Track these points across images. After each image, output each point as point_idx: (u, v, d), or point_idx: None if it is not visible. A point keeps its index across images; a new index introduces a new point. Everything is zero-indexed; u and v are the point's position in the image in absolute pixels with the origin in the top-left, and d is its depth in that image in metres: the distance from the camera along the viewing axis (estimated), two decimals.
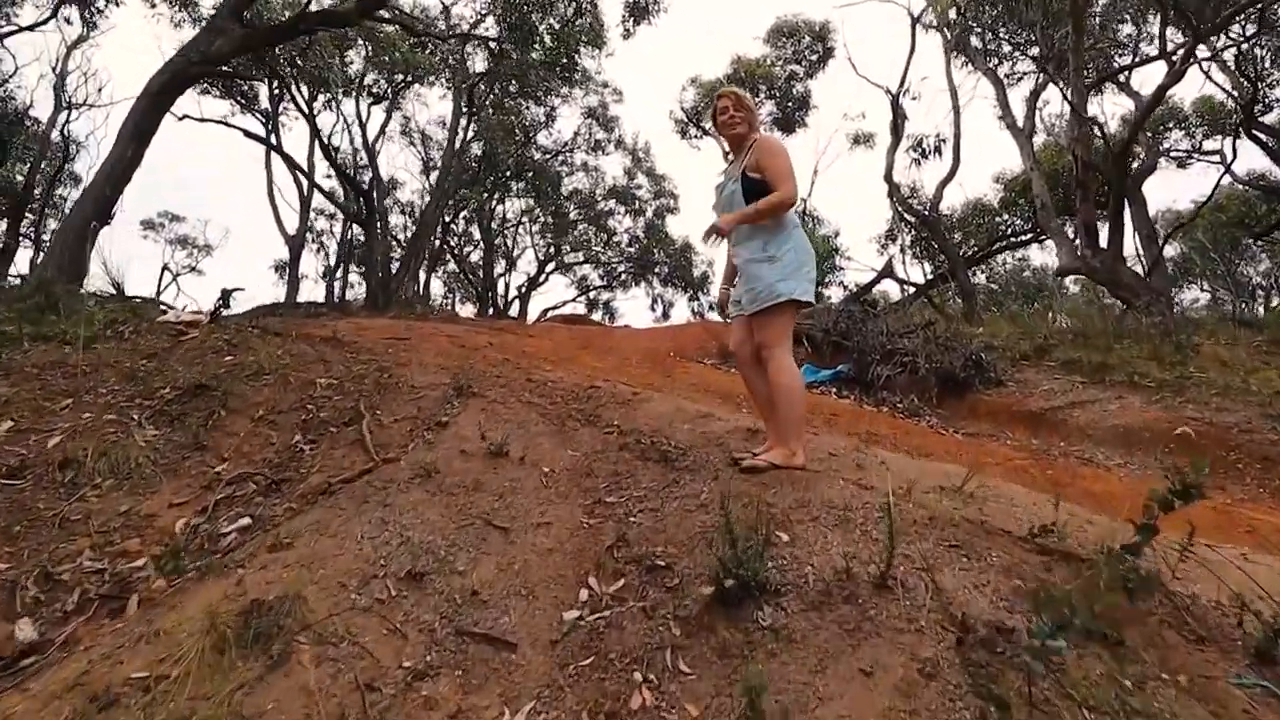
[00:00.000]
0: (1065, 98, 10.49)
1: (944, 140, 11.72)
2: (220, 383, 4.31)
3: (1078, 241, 10.29)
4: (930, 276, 16.36)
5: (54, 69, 17.30)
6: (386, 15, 10.95)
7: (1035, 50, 13.11)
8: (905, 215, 15.17)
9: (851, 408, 7.51)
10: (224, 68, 7.87)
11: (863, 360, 8.54)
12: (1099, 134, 10.19)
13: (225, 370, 4.66)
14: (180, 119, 13.30)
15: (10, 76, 16.03)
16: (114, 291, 7.81)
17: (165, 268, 25.41)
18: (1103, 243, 10.49)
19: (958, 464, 5.21)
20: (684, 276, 24.72)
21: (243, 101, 20.00)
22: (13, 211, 16.66)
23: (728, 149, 3.78)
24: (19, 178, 17.05)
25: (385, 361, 5.84)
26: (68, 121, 17.16)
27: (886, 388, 8.25)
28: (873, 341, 8.67)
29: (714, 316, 25.37)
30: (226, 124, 13.59)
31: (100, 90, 17.29)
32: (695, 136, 22.97)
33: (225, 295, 6.21)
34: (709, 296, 25.09)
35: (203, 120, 13.47)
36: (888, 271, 15.25)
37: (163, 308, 6.96)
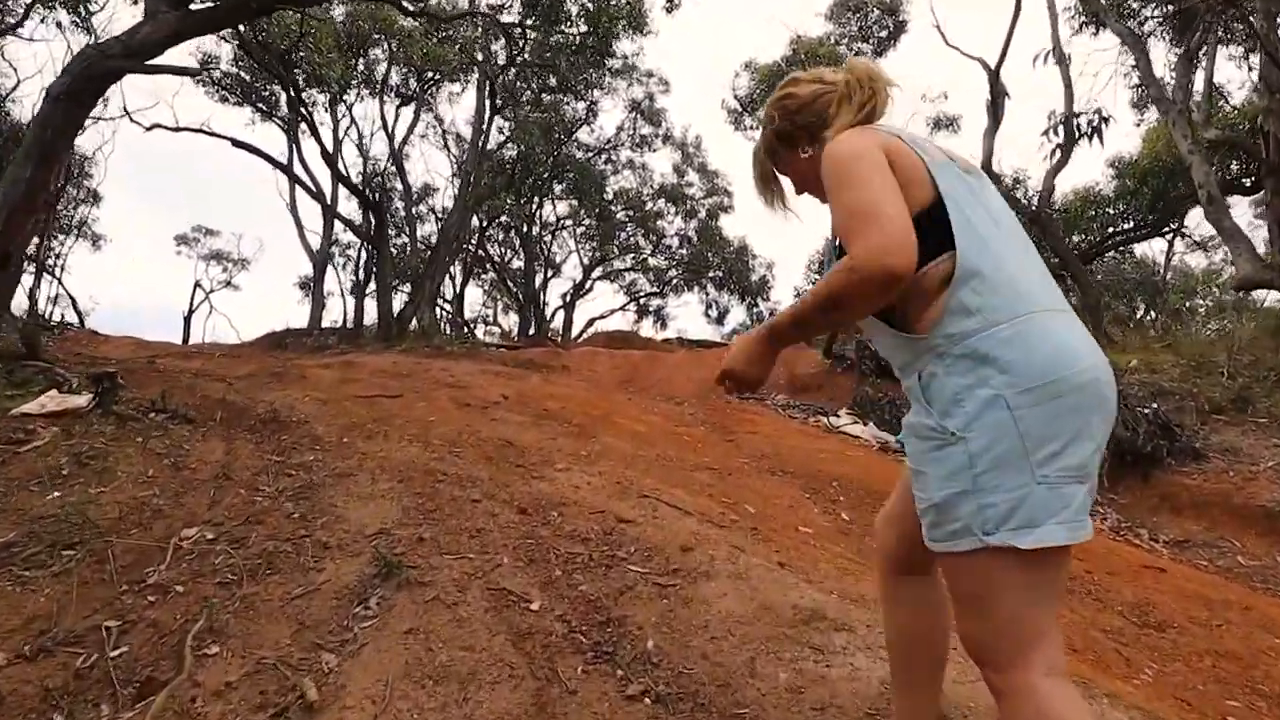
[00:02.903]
0: (1267, 52, 7.99)
1: (1106, 118, 9.30)
2: None
3: (1265, 246, 7.89)
4: None
5: None
6: None
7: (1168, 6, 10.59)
8: None
9: None
10: (154, 62, 6.13)
11: None
12: None
13: (7, 541, 2.83)
14: (149, 129, 11.87)
15: (11, 91, 14.86)
16: (23, 351, 6.20)
17: (197, 285, 24.47)
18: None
19: (1241, 686, 3.08)
20: (740, 281, 22.52)
21: (263, 109, 18.69)
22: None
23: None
24: None
25: (319, 473, 4.00)
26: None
27: None
28: None
29: None
30: (207, 132, 12.12)
31: (106, 102, 16.03)
32: (750, 127, 20.78)
33: (103, 380, 4.46)
34: (768, 303, 22.88)
35: (177, 129, 12.02)
36: None
37: (57, 377, 5.29)
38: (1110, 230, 13.84)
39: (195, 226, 25.84)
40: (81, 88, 5.92)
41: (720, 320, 25.36)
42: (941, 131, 16.34)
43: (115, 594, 2.64)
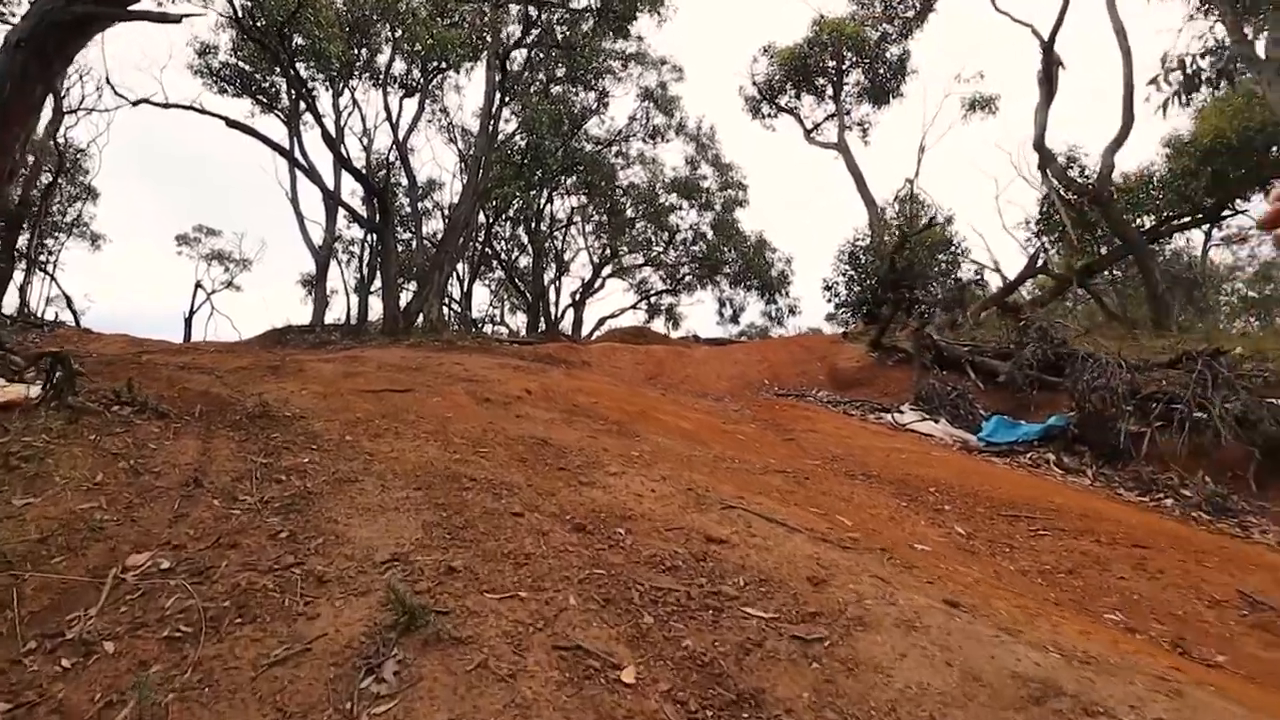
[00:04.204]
0: None
1: (1238, 57, 8.14)
2: None
3: None
4: (1079, 266, 12.67)
5: None
6: None
7: None
8: (1065, 191, 11.76)
9: (1119, 510, 4.49)
10: (132, 8, 5.32)
11: (1095, 412, 5.49)
12: None
13: None
14: (135, 104, 11.10)
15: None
16: None
17: (199, 285, 23.67)
18: None
19: None
20: (759, 276, 21.61)
21: (264, 101, 17.96)
22: (7, 230, 14.76)
23: None
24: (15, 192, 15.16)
25: (315, 478, 3.17)
26: (58, 128, 15.11)
27: (1147, 456, 5.21)
28: (1106, 379, 5.61)
29: (801, 323, 22.26)
30: (201, 110, 11.33)
31: (99, 92, 15.31)
32: (769, 115, 19.96)
33: (54, 366, 3.66)
34: (787, 299, 21.97)
35: (167, 106, 11.23)
36: (1037, 266, 11.82)
37: (13, 365, 4.46)
38: (1166, 215, 12.88)
39: (196, 226, 25.04)
40: (44, 35, 5.12)
41: (734, 318, 24.51)
42: (978, 114, 15.48)
43: (15, 655, 1.81)
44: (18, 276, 16.26)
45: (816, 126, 19.50)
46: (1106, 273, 13.83)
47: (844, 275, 14.24)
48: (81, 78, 15.36)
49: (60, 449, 3.11)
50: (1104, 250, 12.53)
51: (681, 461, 4.26)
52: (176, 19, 5.45)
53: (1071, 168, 11.96)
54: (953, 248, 14.48)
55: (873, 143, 19.74)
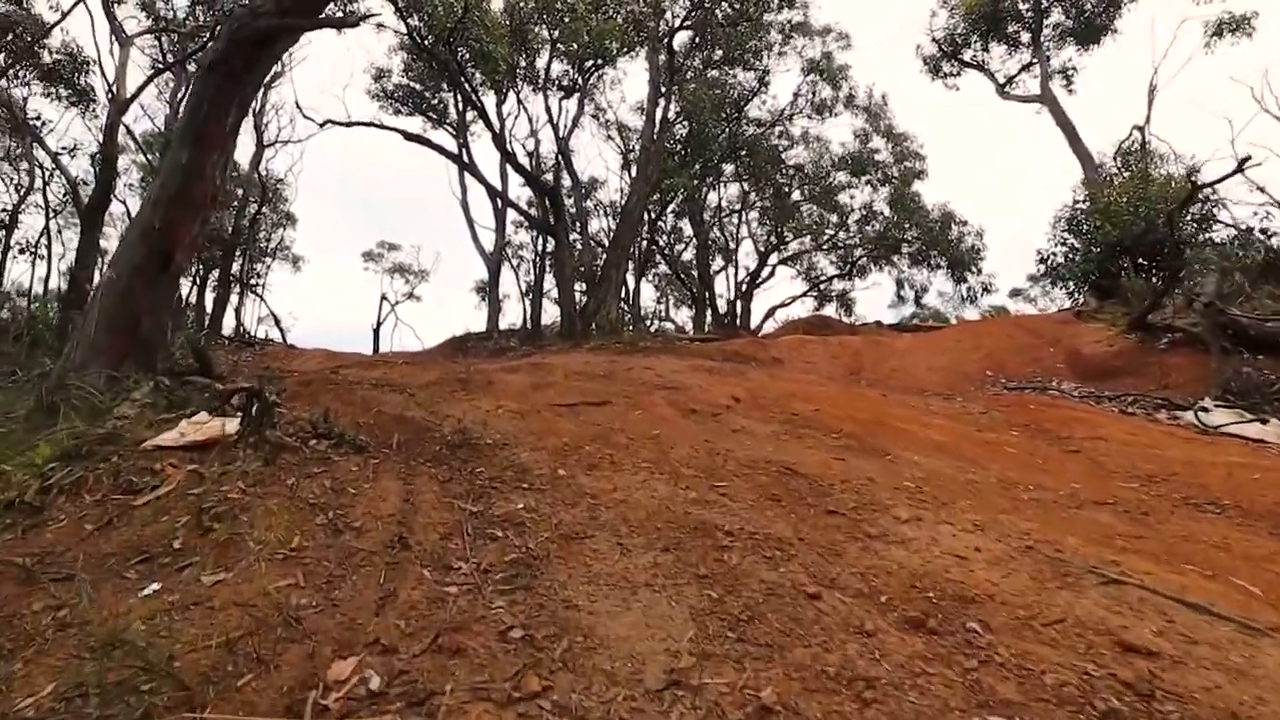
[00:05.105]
0: None
1: None
2: None
3: None
4: None
5: (252, 107, 16.67)
6: None
7: None
8: None
9: None
10: (321, 18, 5.09)
11: None
12: None
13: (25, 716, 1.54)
14: (322, 125, 11.55)
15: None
16: (196, 367, 5.38)
17: (383, 298, 25.20)
18: None
19: None
20: (945, 253, 19.52)
21: (433, 117, 18.66)
22: (223, 258, 16.14)
23: None
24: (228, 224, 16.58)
25: (536, 534, 2.56)
26: (259, 161, 16.34)
27: None
28: None
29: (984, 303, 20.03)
30: (380, 126, 11.62)
31: (292, 123, 16.48)
32: (952, 73, 17.97)
33: (251, 399, 3.33)
34: (979, 277, 19.74)
35: (350, 124, 11.63)
36: None
37: (208, 397, 4.28)
38: None
39: (379, 242, 26.69)
40: (231, 53, 4.99)
41: (916, 300, 22.52)
42: (1226, 39, 12.83)
43: None
44: (232, 300, 17.90)
45: (1010, 80, 17.28)
46: None
47: (1063, 244, 12.30)
48: (276, 112, 16.51)
49: (257, 500, 2.70)
50: None
51: (970, 493, 3.28)
52: (355, 22, 5.20)
53: None
54: (1203, 203, 12.10)
55: (1077, 91, 17.11)
